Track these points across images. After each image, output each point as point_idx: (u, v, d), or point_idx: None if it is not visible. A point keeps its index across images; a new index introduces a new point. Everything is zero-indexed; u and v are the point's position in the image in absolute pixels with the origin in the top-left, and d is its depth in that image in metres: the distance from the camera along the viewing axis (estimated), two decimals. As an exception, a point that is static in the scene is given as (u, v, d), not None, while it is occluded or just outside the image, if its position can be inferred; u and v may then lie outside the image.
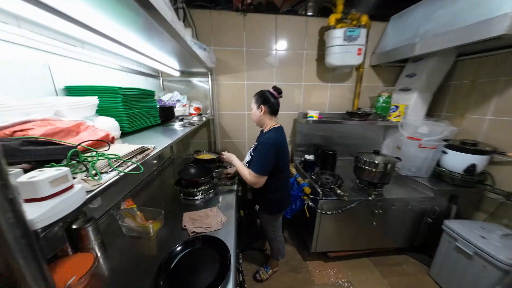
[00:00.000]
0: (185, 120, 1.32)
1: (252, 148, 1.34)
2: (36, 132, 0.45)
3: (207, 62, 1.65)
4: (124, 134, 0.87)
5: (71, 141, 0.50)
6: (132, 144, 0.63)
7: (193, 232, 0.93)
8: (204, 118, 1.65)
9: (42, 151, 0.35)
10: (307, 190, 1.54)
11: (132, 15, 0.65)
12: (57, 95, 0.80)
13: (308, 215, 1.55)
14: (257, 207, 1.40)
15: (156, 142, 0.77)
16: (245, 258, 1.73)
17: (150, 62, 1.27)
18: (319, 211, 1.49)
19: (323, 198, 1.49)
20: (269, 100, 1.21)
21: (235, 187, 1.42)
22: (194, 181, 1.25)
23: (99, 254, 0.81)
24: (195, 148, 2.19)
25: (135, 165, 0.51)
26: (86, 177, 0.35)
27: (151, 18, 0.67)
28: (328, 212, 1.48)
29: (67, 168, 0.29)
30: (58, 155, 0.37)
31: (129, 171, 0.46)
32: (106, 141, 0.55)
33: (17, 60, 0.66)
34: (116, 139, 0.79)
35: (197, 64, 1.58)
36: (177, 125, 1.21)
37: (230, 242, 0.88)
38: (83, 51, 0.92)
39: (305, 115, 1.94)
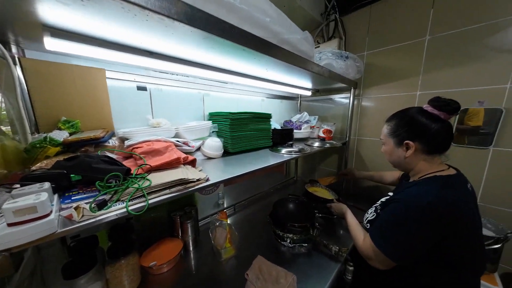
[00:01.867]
0: (295, 146, 1.13)
1: (380, 203, 0.76)
2: (139, 150, 0.63)
3: (349, 74, 1.29)
4: (228, 154, 0.97)
5: (156, 159, 0.61)
6: (196, 171, 0.63)
7: (247, 292, 0.72)
8: (328, 145, 1.30)
9: (94, 170, 0.45)
10: None
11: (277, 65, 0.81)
12: (204, 119, 1.13)
13: None
14: None
15: (232, 170, 0.72)
16: None
17: (280, 87, 1.30)
18: None
19: None
20: (425, 130, 0.66)
21: (341, 258, 0.89)
22: (281, 222, 1.01)
23: (191, 248, 0.99)
24: (321, 175, 1.87)
25: (165, 197, 0.48)
26: (85, 205, 0.37)
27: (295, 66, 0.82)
28: None
29: (42, 198, 0.31)
30: (100, 175, 0.44)
31: (138, 207, 0.43)
32: (171, 163, 0.59)
33: (187, 96, 1.04)
34: (213, 158, 0.89)
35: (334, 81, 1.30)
36: (284, 150, 1.08)
37: None
38: (227, 85, 1.20)
39: None
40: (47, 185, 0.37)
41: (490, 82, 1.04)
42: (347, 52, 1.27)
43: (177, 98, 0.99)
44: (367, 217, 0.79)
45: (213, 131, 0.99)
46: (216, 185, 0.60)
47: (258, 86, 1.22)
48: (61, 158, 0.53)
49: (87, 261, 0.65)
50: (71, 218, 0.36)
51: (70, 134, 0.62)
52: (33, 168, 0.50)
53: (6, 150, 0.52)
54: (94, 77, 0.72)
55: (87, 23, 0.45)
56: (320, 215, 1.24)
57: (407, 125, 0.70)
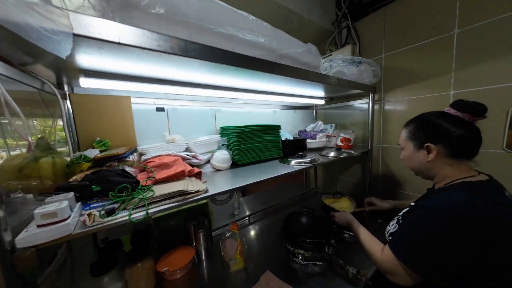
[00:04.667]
0: (308, 157, 1.10)
1: (402, 213, 0.71)
2: (151, 164, 0.71)
3: (363, 79, 1.22)
4: (236, 165, 1.00)
5: (164, 172, 0.69)
6: (200, 183, 0.68)
7: (250, 309, 0.71)
8: (344, 154, 1.22)
9: (110, 182, 0.53)
10: None
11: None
12: (216, 133, 1.21)
13: None
14: None
15: (236, 181, 0.75)
16: None
17: (290, 98, 1.31)
18: None
19: None
20: (447, 132, 0.62)
21: (360, 282, 0.79)
22: (292, 237, 0.97)
23: (203, 257, 1.02)
24: (342, 187, 1.73)
25: (164, 207, 0.53)
26: (95, 213, 0.44)
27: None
28: None
29: (62, 206, 0.39)
30: (114, 186, 0.52)
31: (141, 215, 0.48)
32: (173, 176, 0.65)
33: (199, 113, 1.13)
34: (222, 170, 0.93)
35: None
36: (294, 161, 1.06)
37: None
38: (237, 101, 1.27)
39: None
40: (70, 194, 0.47)
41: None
42: (360, 57, 1.21)
43: (190, 115, 1.10)
44: (389, 230, 0.72)
45: (222, 144, 1.05)
46: (213, 196, 0.63)
47: (267, 99, 1.25)
48: (90, 171, 0.65)
49: (111, 261, 0.75)
50: (85, 223, 0.44)
51: (101, 151, 0.75)
52: (70, 180, 0.63)
53: (56, 166, 0.66)
54: (122, 104, 0.87)
55: (109, 64, 0.56)
56: (339, 230, 1.15)
57: (427, 127, 0.67)
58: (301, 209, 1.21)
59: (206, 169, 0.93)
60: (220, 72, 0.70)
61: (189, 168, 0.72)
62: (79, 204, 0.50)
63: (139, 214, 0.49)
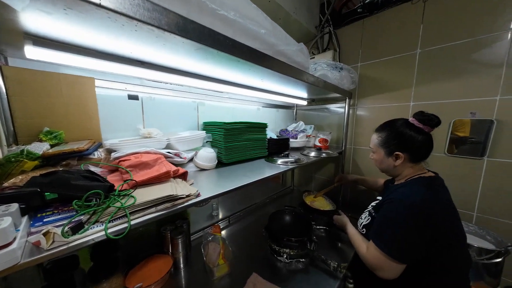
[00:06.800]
0: (291, 156, 1.11)
1: (371, 207, 0.82)
2: (126, 163, 0.59)
3: (343, 84, 1.30)
4: (222, 164, 0.93)
5: (144, 172, 0.58)
6: (187, 185, 0.60)
7: (240, 317, 0.67)
8: (324, 154, 1.29)
9: (72, 188, 0.41)
10: None
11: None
12: (198, 129, 1.10)
13: None
14: None
15: (226, 183, 0.68)
16: None
17: (276, 97, 1.30)
18: None
19: None
20: (412, 142, 0.75)
21: (340, 274, 0.85)
22: (277, 236, 0.97)
23: (182, 265, 0.93)
24: (317, 184, 1.84)
25: (150, 216, 0.44)
26: (56, 230, 0.33)
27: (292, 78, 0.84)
28: None
29: (4, 225, 0.28)
30: (80, 193, 0.40)
31: (120, 229, 0.39)
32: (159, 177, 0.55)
33: (180, 105, 1.01)
34: (207, 170, 0.85)
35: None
36: (280, 161, 1.05)
37: None
38: (222, 94, 1.19)
39: None
40: (14, 207, 0.33)
41: (481, 94, 1.07)
42: (342, 64, 1.29)
43: (170, 107, 0.97)
44: (362, 222, 0.82)
45: (206, 141, 0.96)
46: (207, 200, 0.57)
47: (254, 95, 1.21)
48: (38, 173, 0.49)
49: (64, 285, 0.60)
50: (39, 245, 0.32)
51: (52, 146, 0.58)
52: (5, 184, 0.46)
53: (-23, 164, 0.48)
54: (83, 86, 0.69)
55: (73, 32, 0.43)
56: (318, 227, 1.21)
57: (397, 138, 0.78)
58: (282, 207, 1.23)
59: (189, 169, 0.83)
60: (216, 61, 0.63)
61: (174, 168, 0.63)
62: (25, 219, 0.36)
63: (117, 228, 0.39)
